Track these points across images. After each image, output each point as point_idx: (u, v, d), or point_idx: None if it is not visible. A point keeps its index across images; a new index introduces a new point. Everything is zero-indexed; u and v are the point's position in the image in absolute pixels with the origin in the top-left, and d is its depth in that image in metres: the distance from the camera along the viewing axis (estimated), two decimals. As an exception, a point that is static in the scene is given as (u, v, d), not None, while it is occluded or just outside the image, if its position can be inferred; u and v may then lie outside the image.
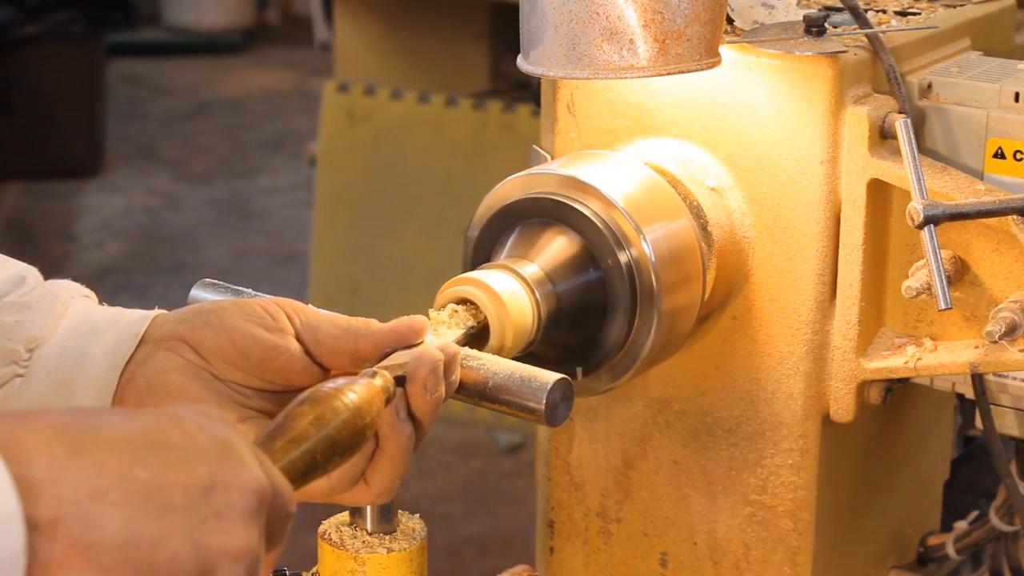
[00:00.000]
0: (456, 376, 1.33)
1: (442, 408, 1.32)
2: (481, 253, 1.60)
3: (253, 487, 1.03)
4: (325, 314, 1.34)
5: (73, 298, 1.37)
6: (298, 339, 1.31)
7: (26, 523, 0.94)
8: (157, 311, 1.35)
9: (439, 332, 1.40)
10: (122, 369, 1.30)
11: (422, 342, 1.34)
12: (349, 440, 1.19)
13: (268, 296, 1.37)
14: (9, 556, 0.94)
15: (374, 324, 1.34)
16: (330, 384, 1.21)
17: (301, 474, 1.15)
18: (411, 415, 1.29)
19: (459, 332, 1.41)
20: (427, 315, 1.43)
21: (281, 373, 1.30)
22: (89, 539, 0.96)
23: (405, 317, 1.36)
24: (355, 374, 1.32)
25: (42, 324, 1.32)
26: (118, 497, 0.98)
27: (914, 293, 1.56)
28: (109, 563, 0.97)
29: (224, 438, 1.04)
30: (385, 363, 1.30)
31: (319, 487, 1.27)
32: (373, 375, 1.25)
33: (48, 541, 0.95)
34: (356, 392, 1.21)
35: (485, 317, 1.44)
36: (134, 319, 1.33)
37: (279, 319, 1.31)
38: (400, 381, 1.28)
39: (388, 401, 1.26)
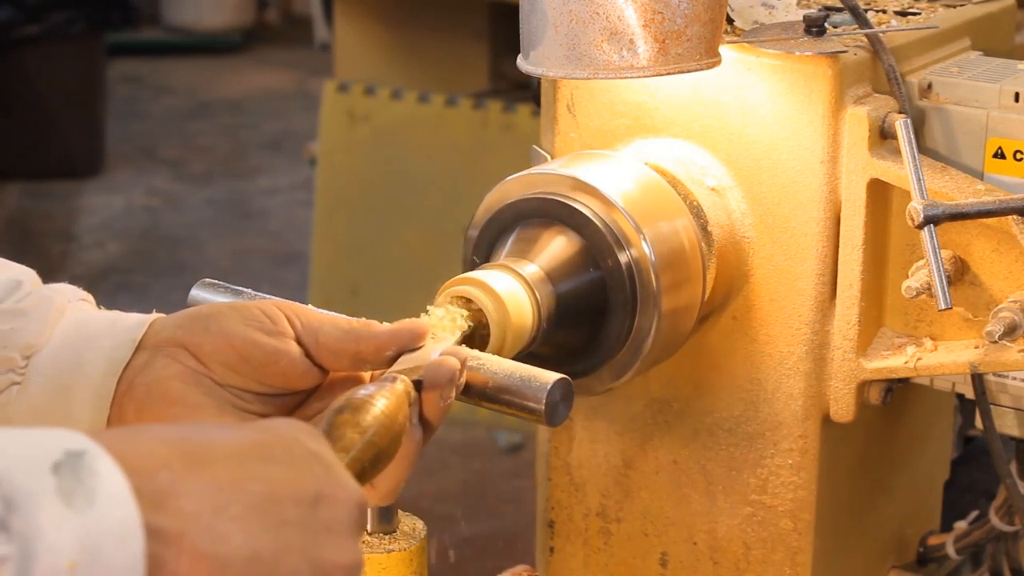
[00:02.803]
0: (463, 380, 1.33)
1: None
2: (481, 253, 1.60)
3: (355, 500, 1.05)
4: (326, 315, 1.33)
5: (70, 302, 1.36)
6: (298, 342, 1.31)
7: (148, 532, 0.94)
8: (155, 315, 1.34)
9: (435, 334, 1.40)
10: (119, 375, 1.30)
11: (423, 345, 1.34)
12: (389, 446, 1.20)
13: (268, 298, 1.37)
14: (128, 564, 0.94)
15: (375, 326, 1.33)
16: (361, 391, 1.21)
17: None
18: (422, 419, 1.29)
19: (457, 333, 1.41)
20: (426, 312, 1.43)
21: (282, 376, 1.30)
22: (217, 553, 0.97)
23: (407, 320, 1.35)
24: (356, 376, 1.32)
25: (38, 331, 1.32)
26: (237, 512, 0.99)
27: (914, 293, 1.56)
28: None
29: (319, 450, 1.06)
30: (398, 368, 1.30)
31: None
32: (394, 380, 1.25)
33: (175, 553, 0.96)
34: (386, 398, 1.21)
35: (484, 317, 1.44)
36: (131, 324, 1.32)
37: (279, 322, 1.31)
38: (416, 386, 1.28)
39: (410, 406, 1.26)
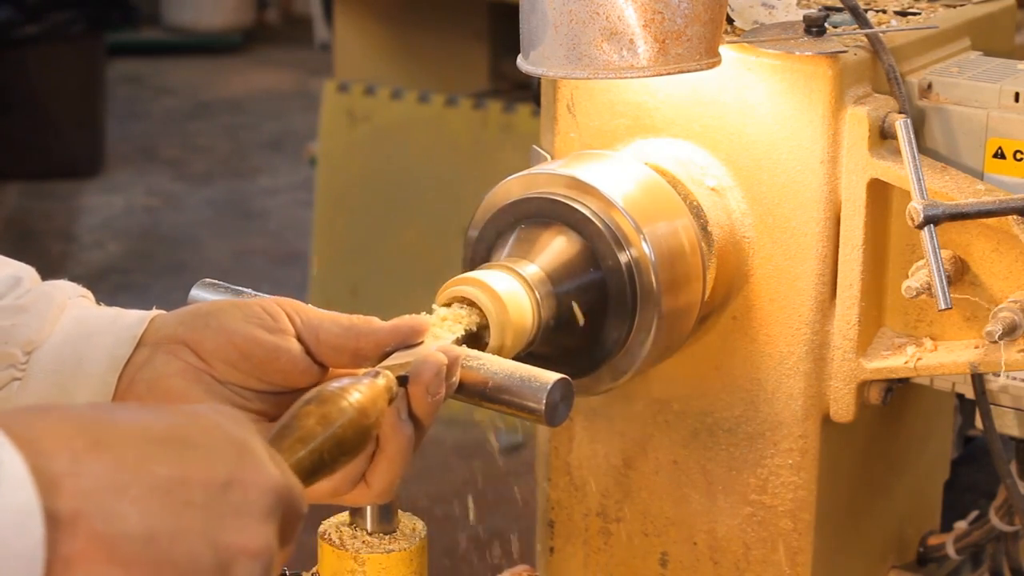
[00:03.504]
0: (456, 378, 1.33)
1: (442, 408, 1.33)
2: (481, 253, 1.60)
3: (270, 485, 1.04)
4: (326, 313, 1.33)
5: (70, 299, 1.36)
6: (299, 339, 1.31)
7: (46, 517, 0.94)
8: (155, 312, 1.34)
9: (437, 333, 1.40)
10: (120, 372, 1.30)
11: (423, 342, 1.34)
12: (355, 439, 1.19)
13: (268, 296, 1.37)
14: (28, 550, 0.94)
15: (376, 322, 1.33)
16: (335, 384, 1.21)
17: (309, 473, 1.15)
18: (412, 416, 1.29)
19: (458, 333, 1.41)
20: (429, 313, 1.43)
21: (282, 374, 1.30)
22: (111, 532, 0.97)
23: (407, 316, 1.35)
24: (356, 373, 1.32)
25: (38, 327, 1.32)
26: (138, 492, 0.98)
27: (914, 293, 1.56)
28: (130, 557, 0.97)
29: (241, 436, 1.05)
30: (387, 363, 1.30)
31: (321, 488, 1.27)
32: (376, 375, 1.25)
33: (69, 535, 0.96)
34: (361, 392, 1.21)
35: (484, 318, 1.44)
36: (132, 321, 1.33)
37: (280, 319, 1.31)
38: (402, 381, 1.28)
39: (391, 401, 1.26)
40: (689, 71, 1.50)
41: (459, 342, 1.40)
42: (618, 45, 1.47)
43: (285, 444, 1.15)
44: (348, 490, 1.29)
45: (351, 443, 1.19)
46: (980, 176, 1.62)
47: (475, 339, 1.43)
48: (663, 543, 1.78)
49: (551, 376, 1.33)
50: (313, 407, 1.18)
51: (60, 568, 0.95)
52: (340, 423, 1.18)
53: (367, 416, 1.20)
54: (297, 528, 1.08)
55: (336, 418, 1.18)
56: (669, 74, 1.49)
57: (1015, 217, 1.53)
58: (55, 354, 1.31)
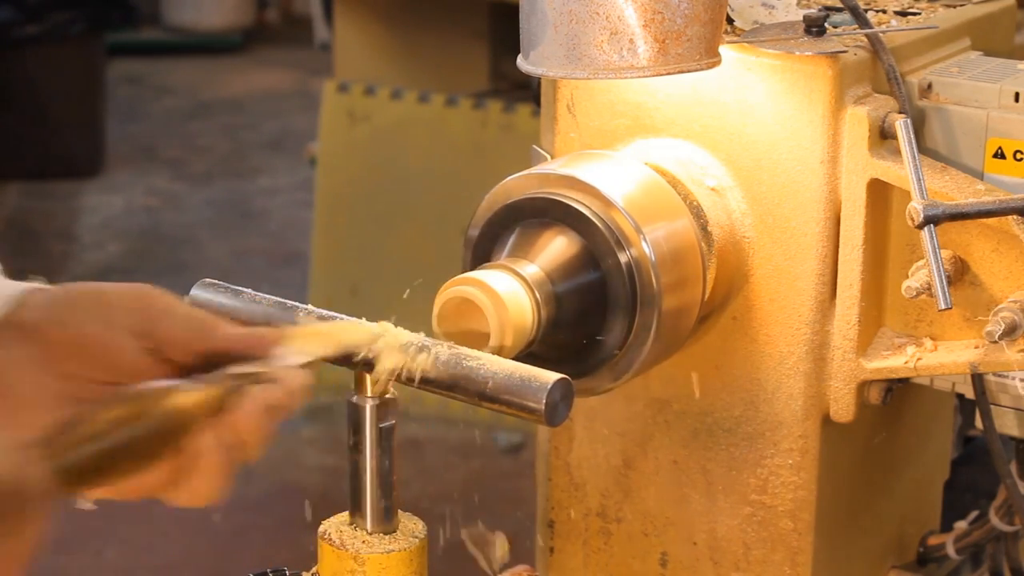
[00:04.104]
0: (296, 401, 1.29)
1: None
2: (481, 253, 1.60)
3: None
4: (181, 309, 1.30)
5: None
6: (144, 335, 1.28)
7: None
8: (35, 286, 1.31)
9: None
10: None
11: (271, 356, 1.30)
12: (152, 443, 1.17)
13: (268, 298, 1.36)
14: None
15: (224, 326, 1.30)
16: (151, 385, 1.19)
17: (92, 471, 1.13)
18: (235, 433, 1.25)
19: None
20: (432, 311, 1.42)
21: (117, 370, 1.27)
22: None
23: (262, 328, 1.33)
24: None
25: None
26: None
27: (914, 293, 1.56)
28: None
29: None
30: (225, 372, 1.27)
31: (132, 486, 1.24)
32: (203, 383, 1.22)
33: None
34: (176, 396, 1.19)
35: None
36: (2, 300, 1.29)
37: (131, 314, 1.28)
38: (237, 391, 1.25)
39: (214, 412, 1.23)
40: (689, 71, 1.51)
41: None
42: (618, 45, 1.47)
43: (69, 438, 1.12)
44: (166, 490, 1.26)
45: (146, 447, 1.17)
46: (980, 176, 1.62)
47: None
48: (663, 543, 1.78)
49: (551, 376, 1.33)
50: (116, 405, 1.16)
51: None
52: (140, 425, 1.16)
53: (173, 422, 1.18)
54: (15, 520, 1.05)
55: (135, 419, 1.16)
56: (669, 74, 1.49)
57: (1015, 217, 1.53)
58: None
